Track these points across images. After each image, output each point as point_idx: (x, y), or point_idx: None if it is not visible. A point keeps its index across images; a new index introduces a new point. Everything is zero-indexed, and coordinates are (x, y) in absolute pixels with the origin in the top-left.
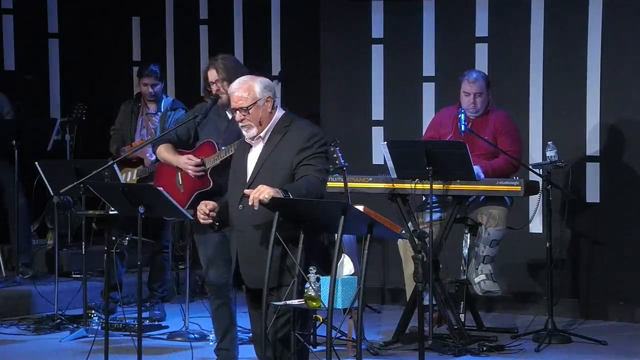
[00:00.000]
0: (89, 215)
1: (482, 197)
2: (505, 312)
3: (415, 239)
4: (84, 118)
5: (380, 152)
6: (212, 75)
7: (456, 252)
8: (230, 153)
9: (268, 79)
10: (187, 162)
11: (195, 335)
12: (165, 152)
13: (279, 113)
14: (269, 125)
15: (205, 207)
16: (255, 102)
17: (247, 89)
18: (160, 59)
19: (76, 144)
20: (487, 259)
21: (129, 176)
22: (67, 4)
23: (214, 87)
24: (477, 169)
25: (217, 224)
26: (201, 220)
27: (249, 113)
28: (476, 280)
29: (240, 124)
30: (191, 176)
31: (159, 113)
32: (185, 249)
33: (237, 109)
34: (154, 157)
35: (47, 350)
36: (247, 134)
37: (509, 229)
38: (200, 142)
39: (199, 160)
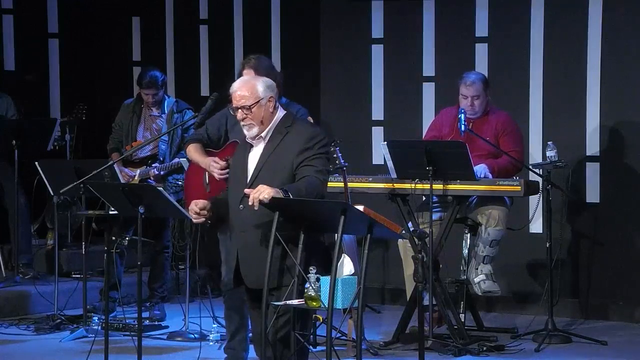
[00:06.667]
0: (89, 215)
1: (474, 197)
2: (505, 312)
3: (415, 239)
4: (84, 118)
5: (380, 152)
6: (250, 75)
7: (456, 252)
8: None
9: (270, 79)
10: (213, 165)
11: (195, 335)
12: (194, 152)
13: (280, 113)
14: (270, 125)
15: (196, 206)
16: (258, 102)
17: (249, 88)
18: (160, 59)
19: (76, 144)
20: (487, 259)
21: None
22: (67, 4)
23: None
24: (483, 167)
25: (209, 221)
26: (194, 220)
27: (251, 112)
28: (476, 280)
29: (241, 123)
30: None
31: (163, 115)
32: (185, 249)
33: (239, 108)
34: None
35: (47, 350)
36: (249, 133)
37: (509, 229)
38: (228, 142)
39: (224, 163)
